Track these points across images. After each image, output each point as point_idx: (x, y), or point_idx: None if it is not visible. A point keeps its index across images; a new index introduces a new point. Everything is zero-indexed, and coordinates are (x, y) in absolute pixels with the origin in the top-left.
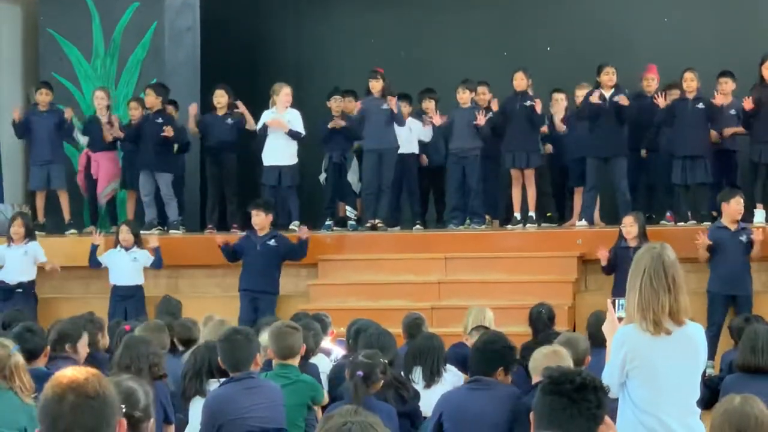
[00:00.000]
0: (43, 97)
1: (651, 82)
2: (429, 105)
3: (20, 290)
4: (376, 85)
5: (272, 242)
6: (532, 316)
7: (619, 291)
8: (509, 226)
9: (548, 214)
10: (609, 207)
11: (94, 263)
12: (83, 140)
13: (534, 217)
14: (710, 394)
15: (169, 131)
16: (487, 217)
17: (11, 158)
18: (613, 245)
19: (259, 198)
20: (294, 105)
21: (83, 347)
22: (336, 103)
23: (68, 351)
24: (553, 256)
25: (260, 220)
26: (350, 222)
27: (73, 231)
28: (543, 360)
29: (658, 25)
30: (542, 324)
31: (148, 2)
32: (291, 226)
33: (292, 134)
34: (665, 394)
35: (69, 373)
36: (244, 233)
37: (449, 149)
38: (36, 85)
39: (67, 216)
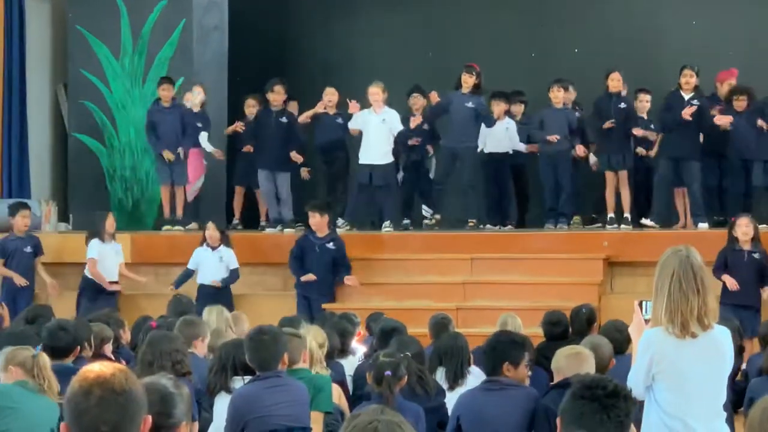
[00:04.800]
0: (165, 93)
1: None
2: (517, 108)
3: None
4: (468, 81)
5: (330, 245)
6: (571, 315)
7: (727, 296)
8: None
9: (593, 216)
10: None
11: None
12: (208, 147)
13: (629, 219)
14: (736, 397)
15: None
16: (576, 217)
17: (39, 154)
18: (722, 248)
19: (316, 199)
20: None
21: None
22: (415, 100)
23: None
24: (579, 257)
25: (316, 221)
26: (425, 221)
27: (178, 228)
28: (565, 362)
29: (687, 28)
30: (579, 324)
31: (176, 0)
32: (383, 228)
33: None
34: (691, 398)
35: (96, 368)
36: (302, 234)
37: (541, 150)
38: (64, 82)
39: (180, 212)
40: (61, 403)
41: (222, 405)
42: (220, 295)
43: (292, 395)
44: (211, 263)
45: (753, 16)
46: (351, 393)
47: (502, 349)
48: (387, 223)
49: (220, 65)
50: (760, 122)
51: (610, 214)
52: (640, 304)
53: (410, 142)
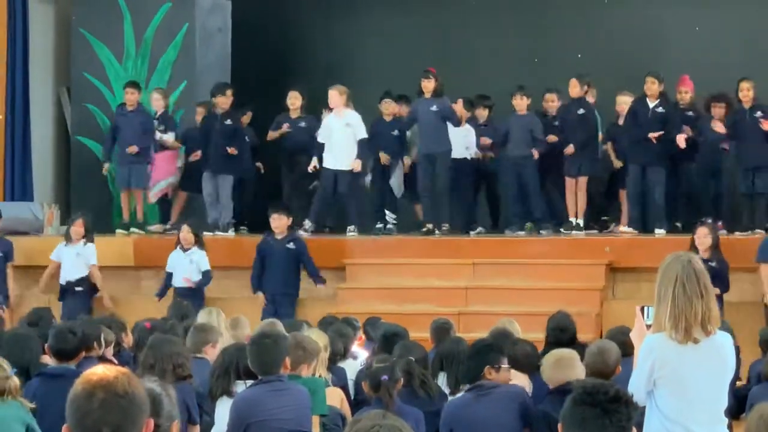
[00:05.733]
0: (129, 97)
1: (684, 95)
2: (482, 112)
3: (68, 289)
4: (428, 85)
5: (291, 245)
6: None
7: None
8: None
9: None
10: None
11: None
12: (169, 137)
13: (581, 224)
14: (737, 403)
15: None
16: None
17: (42, 157)
18: None
19: (279, 201)
20: (324, 107)
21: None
22: (386, 106)
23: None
24: (581, 263)
25: (281, 223)
26: (389, 226)
27: (135, 230)
28: (550, 370)
29: (690, 34)
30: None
31: (179, 3)
32: (348, 233)
33: (359, 146)
34: (693, 404)
35: (99, 371)
36: (262, 236)
37: (505, 156)
38: (67, 85)
39: (140, 215)
40: (33, 408)
41: (224, 409)
42: (193, 297)
43: (294, 399)
44: (183, 265)
45: (756, 22)
46: (353, 397)
47: (485, 353)
48: (352, 227)
49: (224, 68)
50: None
51: (572, 219)
52: (642, 310)
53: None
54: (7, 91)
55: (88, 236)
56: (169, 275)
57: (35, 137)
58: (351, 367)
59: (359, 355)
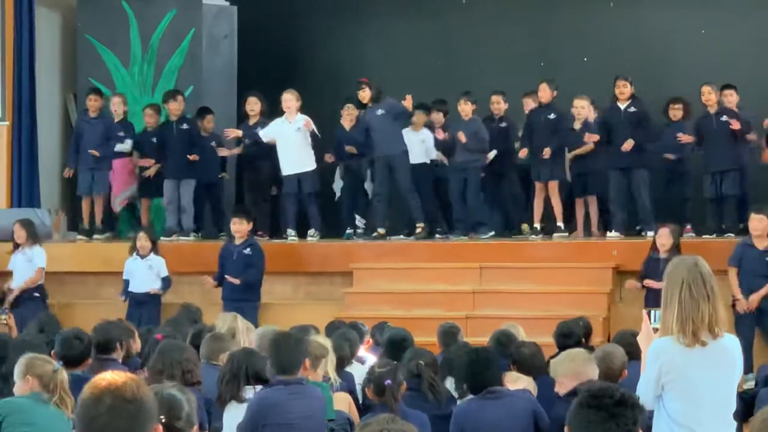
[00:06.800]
0: (92, 104)
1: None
2: (437, 117)
3: (23, 295)
4: (364, 96)
5: (248, 251)
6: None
7: (651, 302)
8: (532, 237)
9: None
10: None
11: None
12: (127, 145)
13: (562, 227)
14: (745, 406)
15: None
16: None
17: (49, 163)
18: (646, 257)
19: (241, 205)
20: (330, 113)
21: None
22: (348, 112)
23: (116, 354)
24: (588, 267)
25: (243, 227)
26: (358, 230)
27: (98, 237)
28: (562, 368)
29: (696, 38)
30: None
31: (185, 9)
32: (308, 236)
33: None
34: (701, 407)
35: (108, 376)
36: (222, 242)
37: (452, 161)
38: (74, 91)
39: (98, 221)
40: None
41: (232, 415)
42: (150, 303)
43: (310, 404)
44: (141, 272)
45: (761, 24)
46: (360, 402)
47: (496, 360)
48: (312, 231)
49: (230, 74)
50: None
51: (536, 224)
52: (649, 314)
53: (347, 149)
54: (14, 97)
55: (34, 240)
56: (127, 282)
57: (42, 143)
58: (359, 372)
59: (367, 359)
